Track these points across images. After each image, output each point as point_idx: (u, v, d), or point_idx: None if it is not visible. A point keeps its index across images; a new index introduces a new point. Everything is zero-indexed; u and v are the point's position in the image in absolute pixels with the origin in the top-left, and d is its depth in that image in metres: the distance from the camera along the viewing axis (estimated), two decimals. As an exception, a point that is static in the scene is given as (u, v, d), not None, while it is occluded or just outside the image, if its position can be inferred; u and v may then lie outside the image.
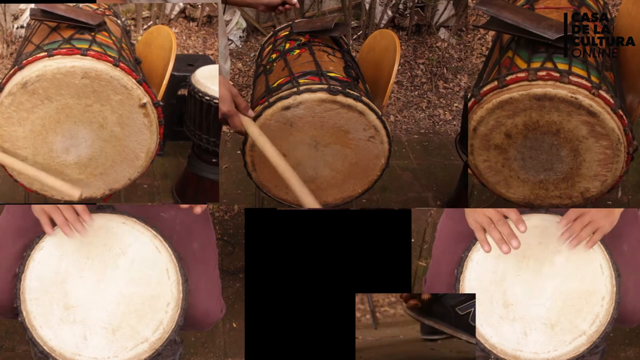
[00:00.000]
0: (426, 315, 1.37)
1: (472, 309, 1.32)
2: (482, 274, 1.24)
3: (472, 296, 1.33)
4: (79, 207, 1.23)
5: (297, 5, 1.79)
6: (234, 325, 1.87)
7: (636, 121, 1.39)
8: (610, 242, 1.24)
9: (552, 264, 1.23)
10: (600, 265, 1.22)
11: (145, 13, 3.24)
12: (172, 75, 1.61)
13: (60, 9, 1.54)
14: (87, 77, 1.37)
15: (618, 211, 1.23)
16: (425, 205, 2.33)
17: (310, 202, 1.35)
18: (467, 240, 1.28)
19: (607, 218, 1.22)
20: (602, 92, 1.26)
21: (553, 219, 1.26)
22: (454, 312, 1.34)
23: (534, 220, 1.25)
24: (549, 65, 1.29)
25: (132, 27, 3.07)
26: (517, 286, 1.22)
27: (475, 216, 1.24)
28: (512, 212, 1.21)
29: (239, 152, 1.56)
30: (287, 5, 1.79)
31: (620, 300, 1.21)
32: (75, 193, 1.40)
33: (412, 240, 2.09)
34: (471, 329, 1.31)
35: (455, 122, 2.89)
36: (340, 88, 1.44)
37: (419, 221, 2.13)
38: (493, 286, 1.23)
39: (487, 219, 1.22)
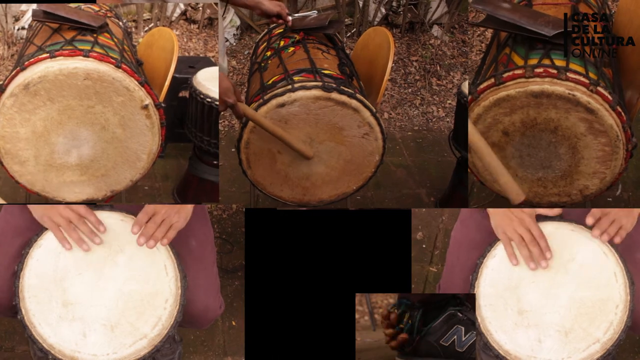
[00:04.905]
0: (415, 357, 1.41)
1: (455, 336, 1.35)
2: (496, 280, 1.24)
3: (451, 323, 1.36)
4: (91, 217, 1.22)
5: (290, 24, 1.82)
6: (233, 323, 1.87)
7: (635, 118, 1.39)
8: (624, 250, 1.23)
9: (567, 272, 1.22)
10: (614, 273, 1.21)
11: (147, 15, 3.25)
12: (173, 77, 1.61)
13: (62, 10, 1.55)
14: (89, 79, 1.38)
15: (637, 211, 1.23)
16: (419, 202, 2.33)
17: (306, 150, 1.46)
18: (482, 247, 1.27)
19: (629, 217, 1.22)
20: (600, 89, 1.26)
21: (567, 226, 1.25)
22: (439, 345, 1.38)
23: (549, 228, 1.25)
24: (546, 62, 1.29)
25: (133, 29, 3.08)
26: (531, 293, 1.22)
27: (505, 228, 1.24)
28: (542, 240, 1.22)
29: (233, 150, 1.57)
30: (280, 20, 1.82)
31: (634, 308, 1.20)
32: None
33: (424, 246, 2.09)
34: (460, 356, 1.34)
35: (448, 119, 2.89)
36: (334, 85, 1.45)
37: (430, 227, 2.14)
38: (508, 293, 1.23)
39: (518, 236, 1.22)
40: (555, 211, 1.27)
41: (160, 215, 1.22)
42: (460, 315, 1.39)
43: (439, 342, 1.39)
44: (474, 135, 1.26)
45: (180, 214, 1.25)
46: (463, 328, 1.38)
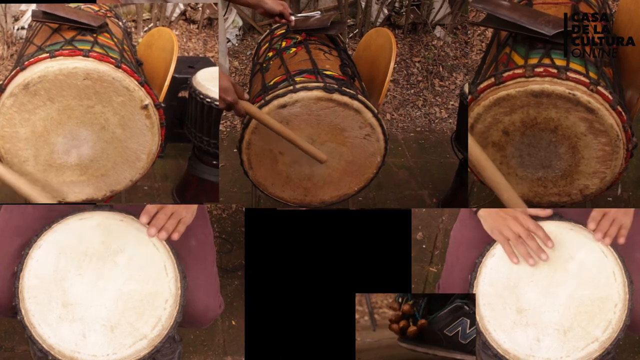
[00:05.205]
0: (418, 344, 1.42)
1: (460, 327, 1.36)
2: (495, 279, 1.24)
3: (457, 315, 1.37)
4: (539, 232, 1.23)
5: (293, 24, 1.82)
6: (233, 323, 1.87)
7: (635, 117, 1.39)
8: (623, 249, 1.24)
9: (566, 271, 1.23)
10: (613, 272, 1.21)
11: (146, 15, 3.26)
12: (173, 77, 1.61)
13: (61, 10, 1.55)
14: (89, 79, 1.38)
15: (631, 210, 1.25)
16: (421, 203, 2.33)
17: (317, 154, 1.45)
18: (481, 246, 1.28)
19: (627, 215, 1.23)
20: (600, 88, 1.26)
21: (567, 225, 1.26)
22: (443, 334, 1.38)
23: (548, 227, 1.25)
24: (546, 61, 1.29)
25: (133, 29, 3.08)
26: (530, 292, 1.22)
27: (501, 229, 1.24)
28: (539, 230, 1.23)
29: (235, 150, 1.57)
30: (283, 20, 1.81)
31: (633, 307, 1.21)
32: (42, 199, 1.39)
33: (424, 246, 2.10)
34: (463, 347, 1.35)
35: (451, 120, 2.89)
36: (336, 86, 1.45)
37: (430, 227, 2.14)
38: (506, 292, 1.23)
39: (514, 234, 1.23)
40: (547, 212, 1.27)
41: (169, 208, 1.24)
42: (467, 308, 1.39)
43: (442, 332, 1.39)
44: (475, 149, 1.26)
45: (188, 210, 1.27)
46: (468, 321, 1.38)
